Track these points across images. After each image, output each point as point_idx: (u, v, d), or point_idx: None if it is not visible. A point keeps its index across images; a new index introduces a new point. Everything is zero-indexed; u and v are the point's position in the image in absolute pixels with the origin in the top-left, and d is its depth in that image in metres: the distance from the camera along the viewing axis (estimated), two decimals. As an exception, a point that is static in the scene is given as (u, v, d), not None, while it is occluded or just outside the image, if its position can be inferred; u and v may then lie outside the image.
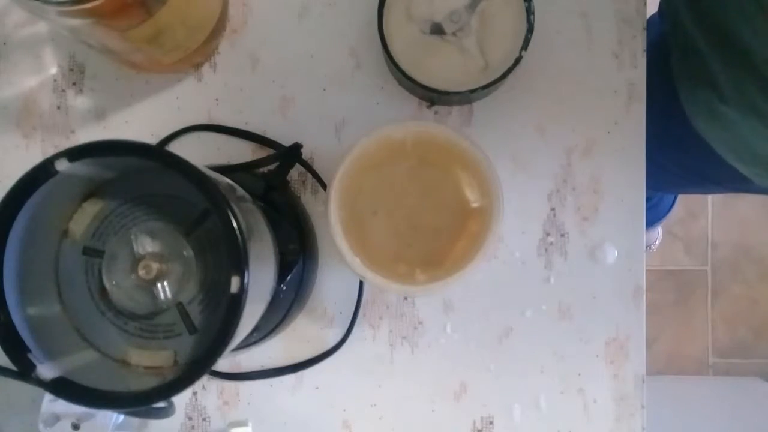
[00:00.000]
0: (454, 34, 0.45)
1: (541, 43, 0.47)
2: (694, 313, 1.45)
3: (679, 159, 0.65)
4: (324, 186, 0.50)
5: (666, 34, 0.60)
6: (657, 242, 1.42)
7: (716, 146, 0.58)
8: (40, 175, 0.30)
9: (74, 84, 0.51)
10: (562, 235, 0.50)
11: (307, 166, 0.50)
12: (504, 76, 0.44)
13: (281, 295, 0.44)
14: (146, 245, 0.33)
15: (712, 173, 0.65)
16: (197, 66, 0.51)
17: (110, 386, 0.31)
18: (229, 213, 0.30)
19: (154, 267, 0.32)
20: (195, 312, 0.34)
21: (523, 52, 0.44)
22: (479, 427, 0.51)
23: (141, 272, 0.32)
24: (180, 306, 0.34)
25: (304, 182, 0.51)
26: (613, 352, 0.50)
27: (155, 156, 0.31)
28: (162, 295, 0.33)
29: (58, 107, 0.51)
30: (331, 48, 0.51)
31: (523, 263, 0.51)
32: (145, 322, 0.34)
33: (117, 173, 0.35)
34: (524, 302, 0.50)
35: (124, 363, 0.34)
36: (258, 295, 0.35)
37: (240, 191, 0.37)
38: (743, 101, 0.51)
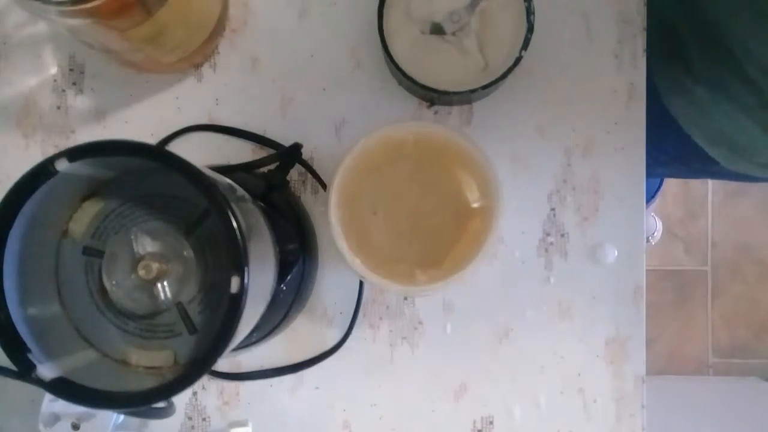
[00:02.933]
0: (454, 34, 0.45)
1: (541, 43, 0.47)
2: (694, 313, 1.45)
3: (649, 138, 0.66)
4: (324, 186, 0.50)
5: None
6: (656, 234, 1.41)
7: (685, 124, 0.58)
8: (40, 175, 0.30)
9: (74, 84, 0.51)
10: (562, 235, 0.50)
11: (307, 166, 0.50)
12: (504, 76, 0.44)
13: (281, 295, 0.44)
14: (146, 245, 0.33)
15: (679, 153, 0.65)
16: (197, 66, 0.51)
17: (110, 386, 0.31)
18: (229, 213, 0.30)
19: (154, 267, 0.32)
20: (195, 312, 0.34)
21: (523, 52, 0.44)
22: (479, 427, 0.51)
23: (141, 272, 0.32)
24: (180, 306, 0.34)
25: (304, 182, 0.51)
26: (613, 352, 0.50)
27: (155, 156, 0.31)
28: (162, 295, 0.33)
29: (58, 107, 0.51)
30: (331, 48, 0.51)
31: (523, 263, 0.51)
32: (145, 322, 0.34)
33: (117, 173, 0.35)
34: (524, 302, 0.50)
35: (124, 363, 0.34)
36: (258, 295, 0.35)
37: (240, 191, 0.37)
38: (714, 81, 0.51)
